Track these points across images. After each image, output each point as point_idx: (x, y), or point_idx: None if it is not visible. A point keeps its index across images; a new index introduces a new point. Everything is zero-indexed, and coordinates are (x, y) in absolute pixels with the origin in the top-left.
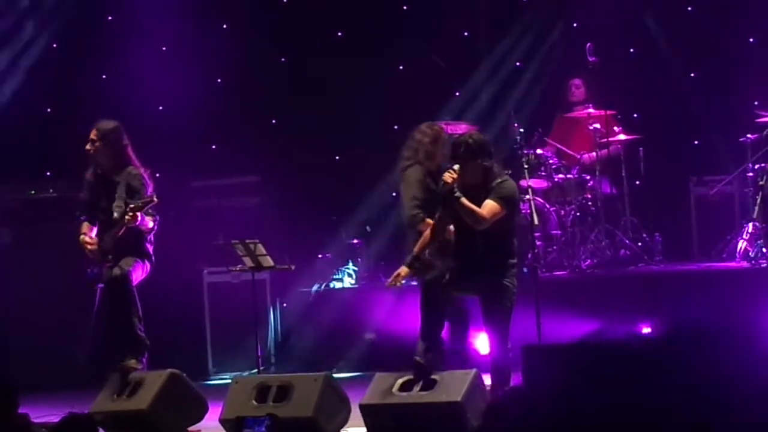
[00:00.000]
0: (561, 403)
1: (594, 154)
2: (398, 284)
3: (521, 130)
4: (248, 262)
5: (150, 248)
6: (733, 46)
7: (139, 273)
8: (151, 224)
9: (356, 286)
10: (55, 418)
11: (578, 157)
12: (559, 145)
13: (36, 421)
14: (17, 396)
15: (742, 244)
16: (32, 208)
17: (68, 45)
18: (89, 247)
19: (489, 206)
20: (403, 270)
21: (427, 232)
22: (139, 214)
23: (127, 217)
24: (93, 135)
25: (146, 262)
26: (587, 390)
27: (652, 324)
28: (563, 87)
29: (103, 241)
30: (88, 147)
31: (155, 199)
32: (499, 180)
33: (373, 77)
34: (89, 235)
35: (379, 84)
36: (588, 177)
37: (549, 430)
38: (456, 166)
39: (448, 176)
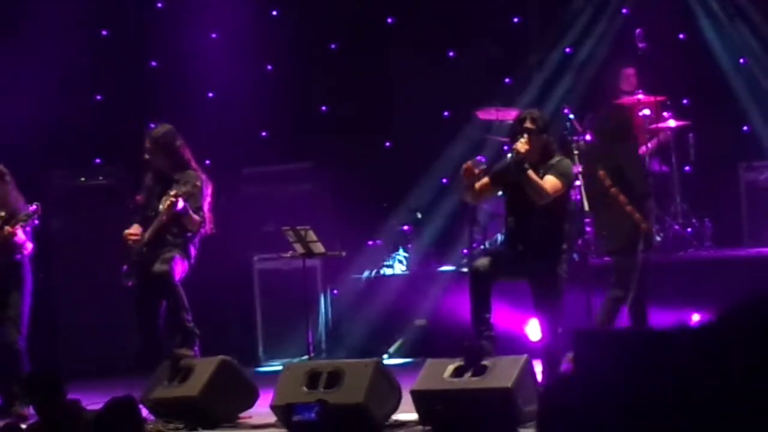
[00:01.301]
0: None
1: (644, 148)
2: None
3: (571, 116)
4: (299, 248)
5: (193, 250)
6: None
7: (179, 269)
8: (192, 224)
9: (407, 272)
10: (99, 406)
11: None
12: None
13: (90, 407)
14: (61, 384)
15: None
16: (82, 195)
17: (118, 32)
18: (132, 238)
19: (551, 181)
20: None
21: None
22: (182, 197)
23: (170, 199)
24: (147, 143)
25: (185, 261)
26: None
27: (703, 313)
28: (613, 74)
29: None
30: (145, 156)
31: (188, 189)
32: (557, 158)
33: (423, 63)
34: (133, 229)
35: (429, 70)
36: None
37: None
38: (525, 137)
39: (522, 145)
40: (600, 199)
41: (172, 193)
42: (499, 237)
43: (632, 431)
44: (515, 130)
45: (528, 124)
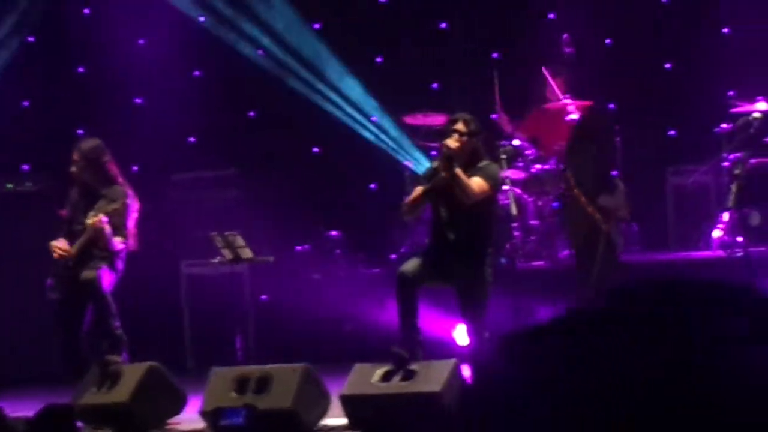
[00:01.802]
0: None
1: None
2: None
3: (499, 121)
4: (227, 254)
5: (120, 264)
6: (708, 36)
7: (107, 278)
8: (118, 244)
9: (335, 276)
10: (31, 413)
11: (556, 162)
12: (531, 140)
13: (13, 415)
14: None
15: (717, 233)
16: (9, 201)
17: (46, 39)
18: (58, 252)
19: (477, 183)
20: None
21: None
22: (105, 219)
23: (94, 219)
24: (75, 156)
25: (113, 272)
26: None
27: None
28: (539, 80)
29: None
30: (72, 169)
31: (115, 207)
32: (486, 162)
33: (350, 69)
34: (60, 243)
35: (357, 75)
36: (565, 167)
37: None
38: (456, 136)
39: (452, 142)
40: (565, 199)
41: (93, 218)
42: (426, 242)
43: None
44: (446, 132)
45: (459, 126)
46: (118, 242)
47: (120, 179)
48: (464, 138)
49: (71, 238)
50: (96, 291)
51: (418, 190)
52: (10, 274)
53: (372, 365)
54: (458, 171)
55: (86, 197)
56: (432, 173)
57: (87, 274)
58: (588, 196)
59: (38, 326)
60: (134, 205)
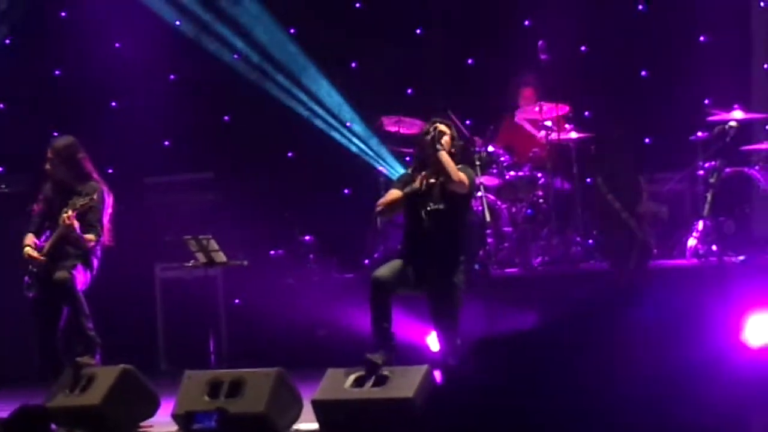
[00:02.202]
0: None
1: (541, 149)
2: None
3: (473, 127)
4: (201, 257)
5: (95, 261)
6: (684, 44)
7: (81, 277)
8: (90, 241)
9: (308, 281)
10: (4, 414)
11: (529, 164)
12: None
13: None
14: None
15: (692, 242)
16: None
17: (22, 41)
18: (30, 254)
19: (465, 173)
20: None
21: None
22: (73, 215)
23: (64, 215)
24: (49, 153)
25: (88, 271)
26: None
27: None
28: (513, 87)
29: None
30: (46, 166)
31: (87, 202)
32: (461, 166)
33: (325, 74)
34: (33, 248)
35: (332, 80)
36: (539, 174)
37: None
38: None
39: (443, 127)
40: (599, 207)
41: (64, 214)
42: (399, 248)
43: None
44: (426, 133)
45: (442, 128)
46: (90, 239)
47: (95, 175)
48: (450, 141)
49: (39, 235)
50: (69, 291)
51: (394, 192)
52: None
53: (345, 370)
54: (445, 154)
55: (61, 194)
56: (408, 178)
57: (60, 274)
58: (622, 204)
59: (15, 327)
60: (109, 201)
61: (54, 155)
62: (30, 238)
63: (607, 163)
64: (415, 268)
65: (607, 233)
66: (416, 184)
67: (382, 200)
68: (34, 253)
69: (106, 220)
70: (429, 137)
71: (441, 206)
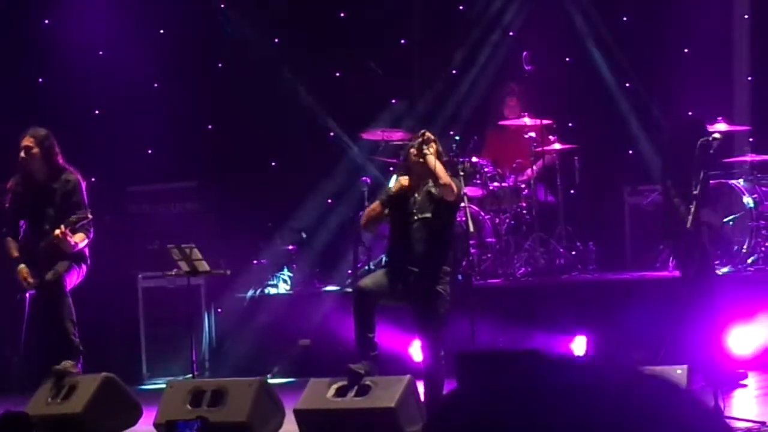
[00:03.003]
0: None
1: (530, 171)
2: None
3: (457, 137)
4: (184, 266)
5: (86, 251)
6: (668, 56)
7: (74, 277)
8: (82, 243)
9: (291, 292)
10: None
11: (513, 175)
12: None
13: None
14: None
15: None
16: None
17: (4, 49)
18: (27, 280)
19: (456, 183)
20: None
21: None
22: (68, 234)
23: (57, 232)
24: (29, 142)
25: (82, 265)
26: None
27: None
28: (498, 98)
29: (37, 250)
30: (22, 155)
31: (90, 216)
32: (449, 174)
33: (309, 84)
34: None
35: (315, 91)
36: (523, 186)
37: None
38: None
39: (429, 134)
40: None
41: (60, 230)
42: (384, 258)
43: None
44: (411, 145)
45: (430, 135)
46: (81, 239)
47: (70, 168)
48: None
49: (33, 235)
50: (58, 295)
51: (376, 205)
52: None
53: (327, 380)
54: (432, 157)
55: (31, 188)
56: (390, 192)
57: (51, 276)
58: (688, 208)
59: None
60: (83, 186)
61: (36, 143)
62: (13, 245)
63: (677, 167)
64: (400, 278)
65: (673, 239)
66: (392, 189)
67: (365, 214)
68: (29, 279)
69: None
70: (417, 141)
71: (428, 215)
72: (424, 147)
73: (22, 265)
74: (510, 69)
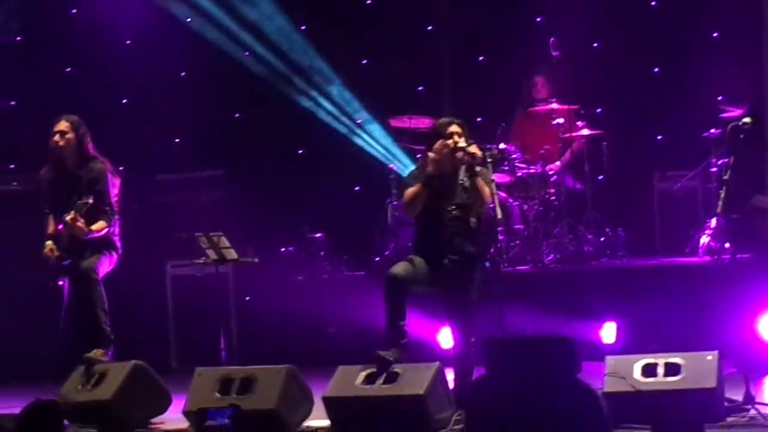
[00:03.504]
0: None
1: (558, 163)
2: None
3: (484, 124)
4: (212, 254)
5: (117, 241)
6: (697, 41)
7: (105, 265)
8: (101, 231)
9: (319, 279)
10: (17, 410)
11: (541, 161)
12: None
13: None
14: None
15: (704, 239)
16: None
17: (33, 38)
18: (51, 255)
19: (485, 189)
20: None
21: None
22: (78, 220)
23: (68, 218)
24: (64, 126)
25: (113, 254)
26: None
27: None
28: (526, 82)
29: (62, 236)
30: (57, 139)
31: (90, 201)
32: (480, 169)
33: (336, 71)
34: (52, 243)
35: (342, 78)
36: (551, 172)
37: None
38: (472, 142)
39: (475, 149)
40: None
41: (70, 216)
42: (412, 244)
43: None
44: (438, 135)
45: (456, 129)
46: (101, 226)
47: (97, 156)
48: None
49: (57, 218)
50: (91, 283)
51: (417, 187)
52: None
53: (355, 367)
54: (480, 179)
55: (65, 177)
56: (419, 174)
57: (84, 264)
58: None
59: (25, 323)
60: (115, 181)
61: (71, 128)
62: (51, 223)
63: (738, 149)
64: (431, 265)
65: (734, 220)
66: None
67: (407, 196)
68: (54, 254)
69: (114, 200)
70: (459, 155)
71: (458, 201)
72: (474, 168)
73: (50, 242)
74: (537, 55)
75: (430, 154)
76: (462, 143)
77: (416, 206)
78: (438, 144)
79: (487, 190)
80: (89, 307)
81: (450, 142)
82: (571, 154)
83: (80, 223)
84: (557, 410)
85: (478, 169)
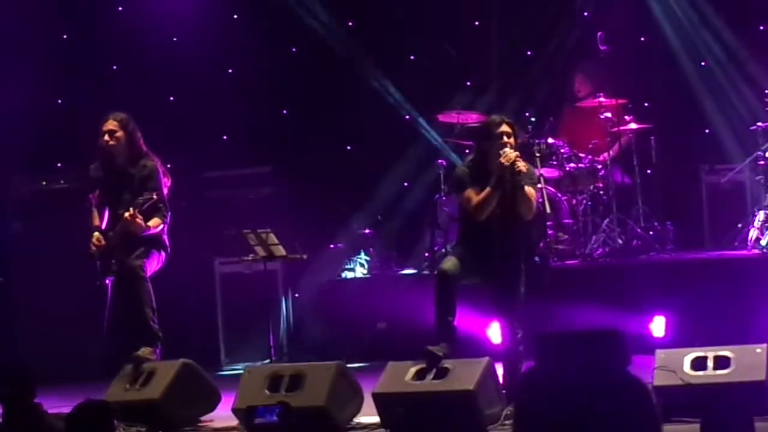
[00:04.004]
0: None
1: (607, 154)
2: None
3: (533, 119)
4: (260, 251)
5: (166, 239)
6: (744, 33)
7: (153, 264)
8: (157, 228)
9: (368, 275)
10: (67, 409)
11: (589, 156)
12: (568, 142)
13: (49, 411)
14: (34, 385)
15: (753, 233)
16: (43, 198)
17: (79, 35)
18: (95, 246)
19: (531, 193)
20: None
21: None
22: (138, 216)
23: (126, 214)
24: (113, 126)
25: (161, 252)
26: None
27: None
28: (571, 78)
29: (114, 233)
30: (107, 139)
31: (155, 197)
32: (525, 165)
33: (383, 67)
34: (99, 234)
35: (389, 74)
36: (599, 166)
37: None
38: (515, 152)
39: (523, 164)
40: None
41: (129, 213)
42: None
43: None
44: (488, 134)
45: (506, 129)
46: (156, 223)
47: (150, 154)
48: (515, 143)
49: (112, 221)
50: (138, 280)
51: (476, 191)
52: (45, 272)
53: (405, 363)
54: (527, 188)
55: (115, 175)
56: (469, 173)
57: (131, 262)
58: None
59: (73, 325)
60: (166, 181)
61: (120, 127)
62: (95, 216)
63: None
64: (479, 259)
65: None
66: (508, 169)
67: (477, 202)
68: (100, 242)
69: (165, 197)
70: (507, 166)
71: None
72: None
73: (97, 233)
74: (585, 49)
75: (498, 162)
76: (517, 161)
77: (486, 210)
78: (502, 160)
79: (531, 200)
80: (137, 305)
81: (504, 160)
82: (619, 148)
83: (139, 219)
84: (608, 404)
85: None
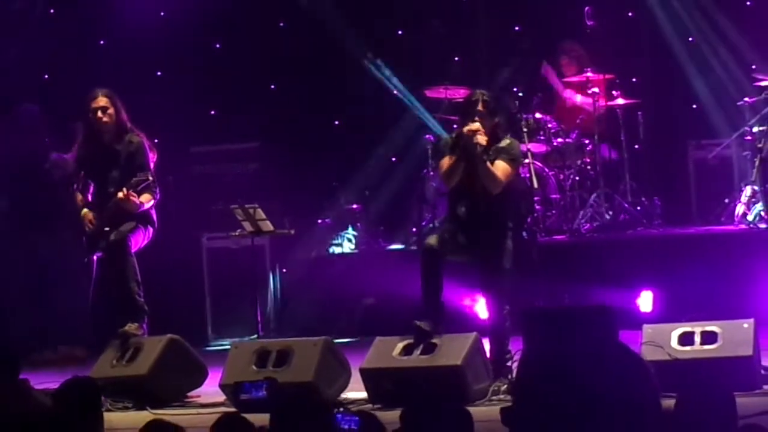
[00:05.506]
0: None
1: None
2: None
3: (520, 94)
4: (248, 226)
5: (153, 214)
6: (731, 8)
7: (140, 239)
8: (148, 204)
9: (355, 251)
10: (54, 385)
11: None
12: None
13: (36, 387)
14: (19, 363)
15: (740, 208)
16: (30, 173)
17: (65, 12)
18: (89, 225)
19: (502, 168)
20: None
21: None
22: (132, 195)
23: (120, 195)
24: (104, 102)
25: (148, 227)
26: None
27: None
28: (556, 55)
29: (103, 212)
30: (100, 116)
31: (150, 177)
32: (507, 141)
33: (371, 42)
34: (89, 212)
35: (377, 49)
36: (587, 141)
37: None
38: (477, 122)
39: (483, 138)
40: None
41: (124, 193)
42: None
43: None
44: (466, 111)
45: (480, 107)
46: (147, 199)
47: (135, 129)
48: (484, 119)
49: (99, 199)
50: (123, 254)
51: (449, 159)
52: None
53: (393, 339)
54: (488, 164)
55: (101, 151)
56: (454, 143)
57: (115, 236)
58: None
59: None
60: (152, 155)
61: (110, 103)
62: (79, 197)
63: None
64: (465, 234)
65: None
66: (473, 140)
67: (443, 168)
68: (93, 221)
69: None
70: (473, 148)
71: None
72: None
73: (86, 210)
74: (572, 24)
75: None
76: (477, 134)
77: (453, 177)
78: (464, 129)
79: (497, 172)
80: (122, 279)
81: (465, 129)
82: (606, 114)
83: (134, 197)
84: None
85: (484, 156)
